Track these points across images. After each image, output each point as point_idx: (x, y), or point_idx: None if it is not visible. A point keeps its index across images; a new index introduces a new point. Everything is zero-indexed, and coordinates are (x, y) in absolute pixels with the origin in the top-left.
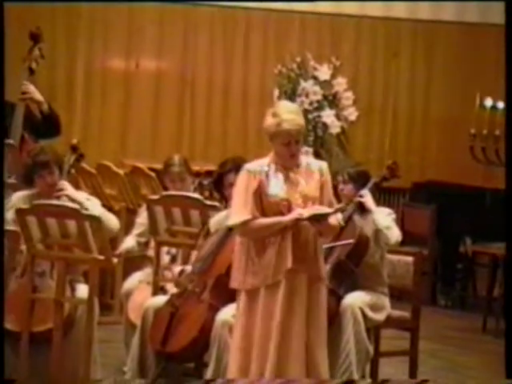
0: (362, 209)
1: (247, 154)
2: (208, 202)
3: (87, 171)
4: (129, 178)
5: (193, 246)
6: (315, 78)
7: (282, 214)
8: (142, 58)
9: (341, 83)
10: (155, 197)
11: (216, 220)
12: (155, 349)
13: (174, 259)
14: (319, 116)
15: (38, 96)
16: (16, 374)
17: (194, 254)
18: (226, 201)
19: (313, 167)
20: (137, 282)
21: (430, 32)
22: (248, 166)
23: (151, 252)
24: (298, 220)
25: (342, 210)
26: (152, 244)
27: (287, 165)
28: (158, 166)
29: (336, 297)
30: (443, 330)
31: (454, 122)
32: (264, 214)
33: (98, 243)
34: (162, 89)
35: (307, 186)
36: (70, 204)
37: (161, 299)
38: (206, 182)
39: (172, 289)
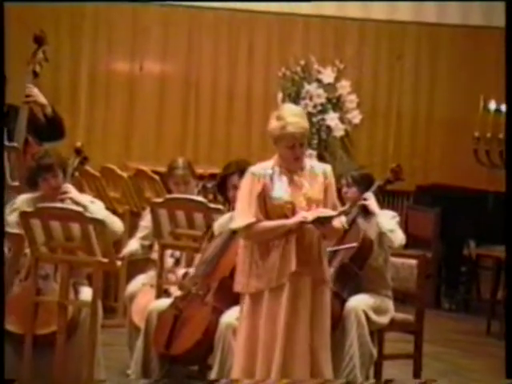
0: (366, 212)
1: (251, 157)
2: (212, 205)
3: (91, 174)
4: (133, 180)
5: (197, 248)
6: (319, 80)
7: (286, 216)
8: (146, 60)
9: (345, 86)
10: (159, 200)
11: (220, 223)
12: (159, 352)
13: (177, 262)
14: (323, 119)
15: (42, 99)
16: (19, 377)
17: (198, 257)
18: (229, 203)
19: (317, 170)
20: (140, 284)
21: (433, 35)
22: (252, 168)
23: (155, 255)
24: (302, 223)
25: (345, 213)
26: (156, 247)
27: (291, 168)
28: (162, 169)
29: (340, 300)
30: (447, 332)
31: (458, 124)
32: (268, 217)
33: (101, 246)
34: (166, 92)
35: (311, 189)
36: (74, 207)
37: (164, 302)
38: (209, 185)
39: (176, 292)
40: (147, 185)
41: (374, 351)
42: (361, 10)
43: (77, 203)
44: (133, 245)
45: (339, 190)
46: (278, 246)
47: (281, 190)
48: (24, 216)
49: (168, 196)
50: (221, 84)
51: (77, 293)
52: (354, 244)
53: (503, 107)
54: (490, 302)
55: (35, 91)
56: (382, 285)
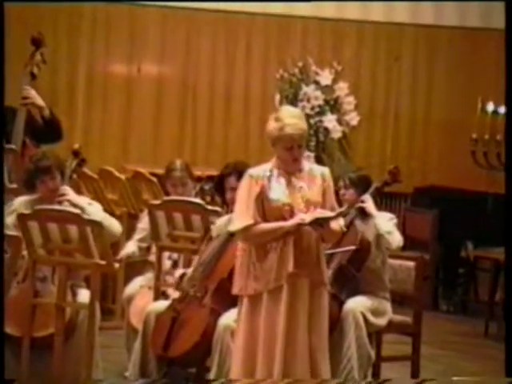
0: (364, 214)
1: (249, 159)
2: (209, 207)
3: (89, 176)
4: (130, 182)
5: (194, 250)
6: (317, 82)
7: (284, 218)
8: (143, 62)
9: (342, 88)
10: (157, 202)
11: (217, 225)
12: (157, 354)
13: (175, 264)
14: (321, 121)
15: (40, 101)
16: (17, 379)
17: (196, 259)
18: (227, 205)
19: (315, 172)
20: (138, 286)
21: (431, 37)
22: (251, 171)
23: (152, 257)
24: (299, 225)
25: (343, 214)
26: (153, 249)
27: (290, 169)
28: (160, 171)
29: (338, 302)
30: (445, 334)
31: (456, 126)
32: (266, 219)
33: (99, 248)
34: (163, 94)
35: (309, 191)
36: (72, 209)
37: (162, 304)
38: (207, 187)
39: (173, 293)
40: (145, 187)
41: (372, 353)
42: (358, 12)
43: (74, 205)
44: (130, 247)
45: (337, 192)
46: (275, 248)
47: (279, 192)
48: (22, 218)
49: (165, 198)
50: (218, 86)
51: (74, 295)
52: (352, 247)
53: (501, 109)
54: (488, 304)
55: (33, 93)
56: (380, 287)
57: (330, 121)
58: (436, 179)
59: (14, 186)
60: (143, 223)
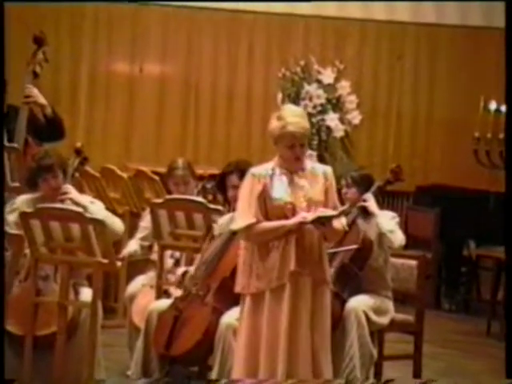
0: (366, 212)
1: (251, 158)
2: (211, 206)
3: (91, 175)
4: (132, 181)
5: (196, 249)
6: (319, 81)
7: (286, 217)
8: (145, 62)
9: (344, 87)
10: (159, 200)
11: (220, 223)
12: (159, 352)
13: (177, 263)
14: (323, 119)
15: (42, 100)
16: (19, 378)
17: (198, 257)
18: (229, 204)
19: (317, 171)
20: (140, 285)
21: (433, 35)
22: (253, 169)
23: (155, 256)
24: (301, 223)
25: (345, 213)
26: (155, 248)
27: (292, 168)
28: (162, 170)
29: (340, 300)
30: (447, 333)
31: (458, 125)
32: (268, 218)
33: (101, 247)
34: (165, 93)
35: (312, 190)
36: (74, 207)
37: (164, 303)
38: (209, 186)
39: (176, 292)
40: (147, 185)
41: (374, 352)
42: (360, 11)
43: (77, 204)
44: (132, 245)
45: (339, 191)
46: (277, 247)
47: (281, 191)
48: (24, 217)
49: (168, 196)
50: (220, 85)
51: (77, 293)
52: (354, 246)
53: (503, 107)
54: (490, 303)
55: (35, 92)
56: (382, 285)
57: (332, 119)
58: (438, 178)
59: (17, 184)
60: (145, 222)
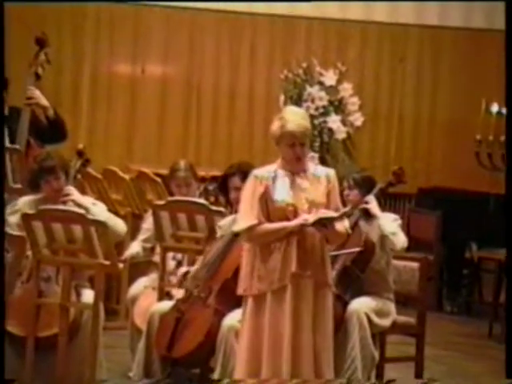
0: (368, 215)
1: (253, 159)
2: (213, 208)
3: (93, 176)
4: (134, 183)
5: (199, 251)
6: (321, 83)
7: (287, 219)
8: (147, 63)
9: (346, 89)
10: (161, 202)
11: (222, 225)
12: (161, 354)
13: (179, 264)
14: (325, 121)
15: (44, 101)
16: (21, 379)
17: (200, 259)
18: (231, 205)
19: (320, 173)
20: (142, 287)
21: (436, 38)
22: (255, 171)
23: (157, 257)
24: (303, 225)
25: (347, 215)
26: (157, 249)
27: (294, 169)
28: (164, 172)
29: (342, 302)
30: (449, 335)
31: (460, 127)
32: (270, 220)
33: (103, 248)
34: (167, 94)
35: (314, 192)
36: (76, 209)
37: (166, 304)
38: (211, 187)
39: (178, 294)
40: (149, 187)
41: (376, 354)
42: (363, 13)
43: (79, 205)
44: (134, 247)
45: (341, 193)
46: (279, 248)
47: (283, 193)
48: (26, 218)
49: (170, 198)
50: (222, 86)
51: (79, 295)
52: (357, 249)
53: (505, 110)
54: (492, 305)
55: (37, 93)
56: (384, 287)
57: (334, 121)
58: (440, 180)
59: (18, 185)
60: (147, 223)
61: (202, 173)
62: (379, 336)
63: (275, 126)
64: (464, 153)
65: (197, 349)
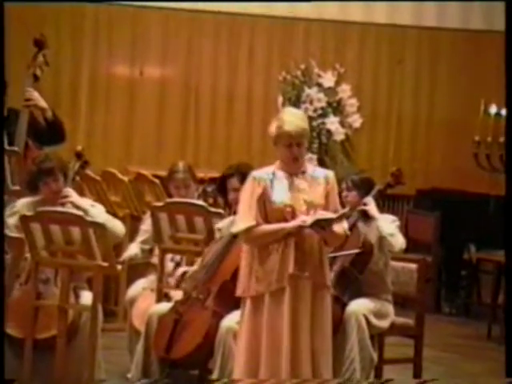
0: (366, 216)
1: (251, 161)
2: (212, 209)
3: (92, 178)
4: (133, 184)
5: (197, 252)
6: (319, 84)
7: (285, 220)
8: (146, 65)
9: (345, 90)
10: (159, 204)
11: (220, 226)
12: (159, 355)
13: (178, 266)
14: (323, 123)
15: (42, 103)
16: (19, 381)
17: (198, 260)
18: (229, 207)
19: (318, 175)
20: (141, 288)
21: (434, 39)
22: (254, 173)
23: (155, 259)
24: (301, 227)
25: (345, 216)
26: (156, 251)
27: (291, 170)
28: (163, 173)
29: (340, 304)
30: (447, 337)
31: (459, 128)
32: (268, 221)
33: (101, 250)
34: (166, 96)
35: (312, 193)
36: (75, 211)
37: (165, 306)
38: (210, 189)
39: (176, 295)
40: (148, 189)
41: (375, 355)
42: (361, 14)
43: (77, 207)
44: (133, 249)
45: (339, 194)
46: (277, 250)
47: (281, 194)
48: (24, 220)
49: (168, 200)
50: (221, 88)
51: (77, 297)
52: (355, 250)
53: (504, 111)
54: (491, 307)
55: (35, 95)
56: (383, 289)
57: (332, 123)
58: (439, 181)
59: (17, 187)
60: (146, 225)
61: (200, 174)
62: (378, 337)
63: (273, 127)
64: (462, 154)
65: (195, 350)
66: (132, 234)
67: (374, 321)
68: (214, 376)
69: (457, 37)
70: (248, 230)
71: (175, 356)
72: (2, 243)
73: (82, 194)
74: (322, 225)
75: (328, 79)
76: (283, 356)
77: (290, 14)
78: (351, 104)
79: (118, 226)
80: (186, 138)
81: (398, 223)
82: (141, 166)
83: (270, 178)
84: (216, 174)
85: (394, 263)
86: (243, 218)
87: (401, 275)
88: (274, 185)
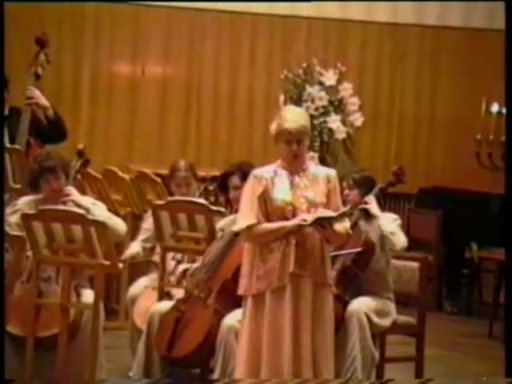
0: (368, 215)
1: (253, 159)
2: (213, 208)
3: (93, 176)
4: (134, 183)
5: (198, 251)
6: (321, 83)
7: (286, 218)
8: (148, 63)
9: (346, 88)
10: (161, 202)
11: (223, 224)
12: (161, 354)
13: (179, 264)
14: (325, 121)
15: (44, 101)
16: (21, 379)
17: (200, 259)
18: (230, 205)
19: (320, 173)
20: (142, 287)
21: (436, 37)
22: (255, 171)
23: (156, 257)
24: (301, 225)
25: (346, 215)
26: (157, 249)
27: (292, 168)
28: (164, 172)
29: (342, 302)
30: (449, 335)
31: (460, 127)
32: (269, 219)
33: (103, 248)
34: (168, 94)
35: (313, 192)
36: (76, 209)
37: (166, 304)
38: (211, 188)
39: (177, 294)
40: (149, 187)
41: (376, 354)
42: (363, 13)
43: (79, 205)
44: (134, 247)
45: (341, 193)
46: (278, 248)
47: (282, 192)
48: (26, 218)
49: (170, 198)
50: (222, 86)
51: (79, 295)
52: (357, 249)
53: (505, 110)
54: (492, 305)
55: (37, 93)
56: (384, 287)
57: (334, 121)
58: (440, 180)
59: (18, 185)
60: (147, 224)
61: (201, 173)
62: (379, 336)
63: (273, 125)
64: (464, 153)
65: (197, 349)
66: (133, 232)
67: (375, 319)
68: (216, 374)
69: (459, 35)
70: (249, 228)
71: (177, 354)
72: (1, 242)
73: (83, 192)
74: (322, 223)
75: (329, 78)
76: (284, 354)
77: (291, 13)
78: (353, 102)
79: (119, 225)
80: (188, 136)
81: (399, 222)
82: (142, 164)
83: (271, 177)
84: (217, 173)
85: (395, 262)
86: (244, 217)
87: (402, 274)
88: (275, 183)
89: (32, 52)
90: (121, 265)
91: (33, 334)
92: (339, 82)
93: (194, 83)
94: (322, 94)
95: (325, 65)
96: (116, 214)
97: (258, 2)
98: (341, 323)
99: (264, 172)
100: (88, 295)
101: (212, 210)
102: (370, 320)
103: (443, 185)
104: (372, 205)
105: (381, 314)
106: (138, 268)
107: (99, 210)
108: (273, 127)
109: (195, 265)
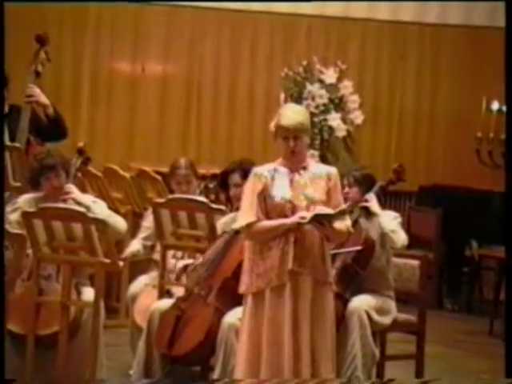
0: (368, 212)
1: (253, 158)
2: (214, 206)
3: (93, 174)
4: (135, 181)
5: (199, 249)
6: (321, 81)
7: (286, 216)
8: (148, 61)
9: (347, 86)
10: (161, 200)
11: (222, 223)
12: (161, 352)
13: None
14: (325, 119)
15: (44, 99)
16: (21, 377)
17: (200, 257)
18: (231, 203)
19: (320, 171)
20: (143, 285)
21: (436, 35)
22: (256, 169)
23: (157, 255)
24: (300, 223)
25: (345, 212)
26: (158, 247)
27: (292, 165)
28: (165, 170)
29: (342, 300)
30: (450, 333)
31: (461, 125)
32: (269, 217)
33: (103, 246)
34: (168, 92)
35: (313, 190)
36: (76, 207)
37: (167, 302)
38: (211, 185)
39: (178, 292)
40: (149, 185)
41: (377, 352)
42: (363, 11)
43: (79, 203)
44: (135, 245)
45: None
46: (277, 246)
47: (281, 190)
48: (26, 216)
49: (170, 196)
50: (223, 84)
51: (79, 293)
52: (357, 247)
53: (505, 107)
54: (493, 303)
55: (37, 91)
56: (385, 285)
57: (334, 119)
58: (441, 178)
59: (19, 184)
60: (148, 221)
61: (202, 171)
62: (379, 334)
63: (273, 122)
64: (464, 150)
65: (197, 347)
66: (134, 230)
67: (375, 317)
68: (216, 373)
69: (459, 33)
70: (248, 226)
71: (177, 352)
72: (2, 240)
73: (83, 190)
74: (320, 220)
75: (330, 76)
76: (284, 352)
77: (292, 11)
78: (353, 100)
79: (119, 223)
80: (188, 134)
81: (399, 220)
82: (143, 162)
83: (271, 174)
84: (218, 170)
85: (396, 260)
86: (244, 215)
87: (403, 272)
88: (275, 180)
89: (32, 50)
90: (121, 263)
91: (33, 332)
92: (339, 79)
93: (195, 81)
94: (323, 91)
95: (325, 63)
96: (116, 212)
97: (258, 1)
98: (341, 321)
99: (264, 170)
100: (88, 293)
101: (212, 207)
102: (370, 318)
103: (443, 183)
104: (372, 203)
105: (381, 311)
106: (138, 266)
107: (99, 208)
108: (271, 124)
109: (196, 261)
